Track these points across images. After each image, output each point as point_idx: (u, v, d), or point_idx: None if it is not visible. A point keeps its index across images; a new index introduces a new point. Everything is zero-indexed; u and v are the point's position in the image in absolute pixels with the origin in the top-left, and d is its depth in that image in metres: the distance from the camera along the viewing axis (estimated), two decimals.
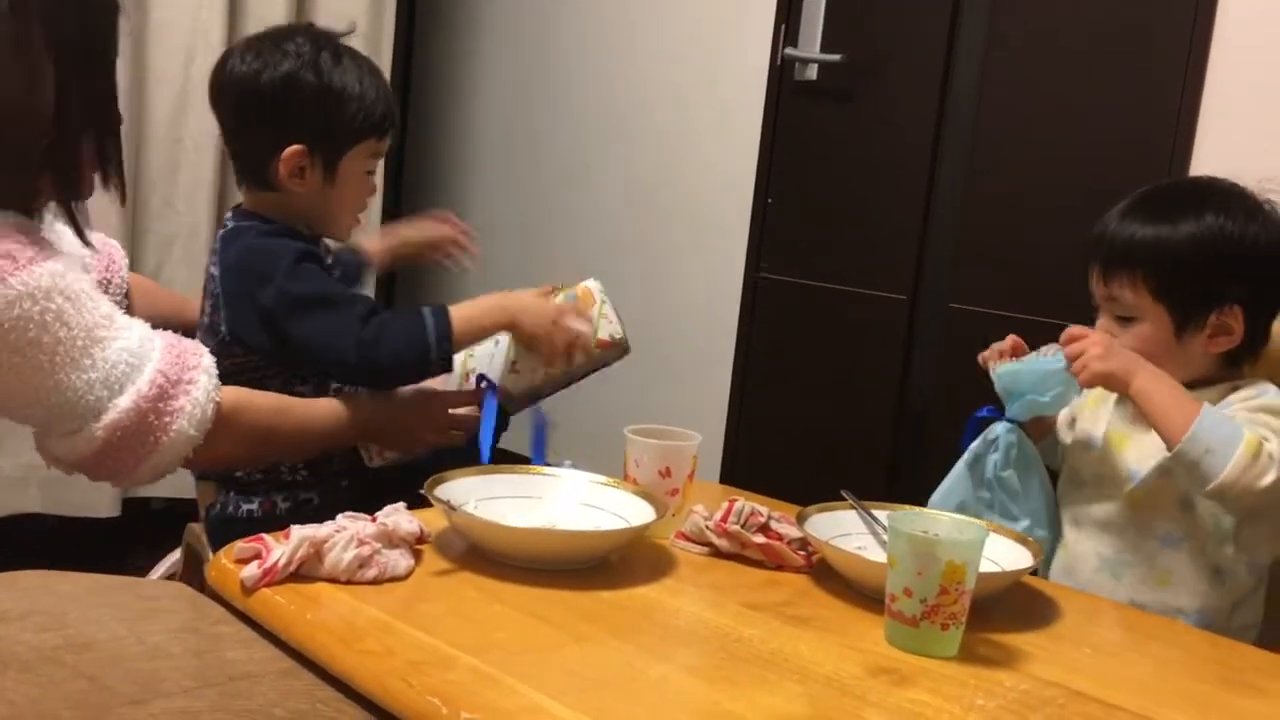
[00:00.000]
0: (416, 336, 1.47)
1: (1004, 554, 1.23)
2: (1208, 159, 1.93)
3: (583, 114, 2.96)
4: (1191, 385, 1.42)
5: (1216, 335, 1.42)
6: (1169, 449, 1.33)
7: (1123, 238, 1.44)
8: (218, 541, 1.56)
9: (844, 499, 1.35)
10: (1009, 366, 1.45)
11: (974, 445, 1.48)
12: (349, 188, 1.58)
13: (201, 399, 1.28)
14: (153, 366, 1.25)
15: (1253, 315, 1.43)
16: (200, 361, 1.31)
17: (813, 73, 2.45)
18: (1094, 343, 1.37)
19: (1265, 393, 1.41)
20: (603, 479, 1.36)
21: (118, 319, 1.25)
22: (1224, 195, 1.45)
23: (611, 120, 2.90)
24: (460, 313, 1.51)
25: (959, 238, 2.29)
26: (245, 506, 1.56)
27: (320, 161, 1.55)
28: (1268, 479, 1.29)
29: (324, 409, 1.47)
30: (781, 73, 2.51)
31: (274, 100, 1.53)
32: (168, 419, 1.26)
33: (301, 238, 1.57)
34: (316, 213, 1.59)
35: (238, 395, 1.37)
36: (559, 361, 1.57)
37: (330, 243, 1.69)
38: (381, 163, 1.71)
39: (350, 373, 1.51)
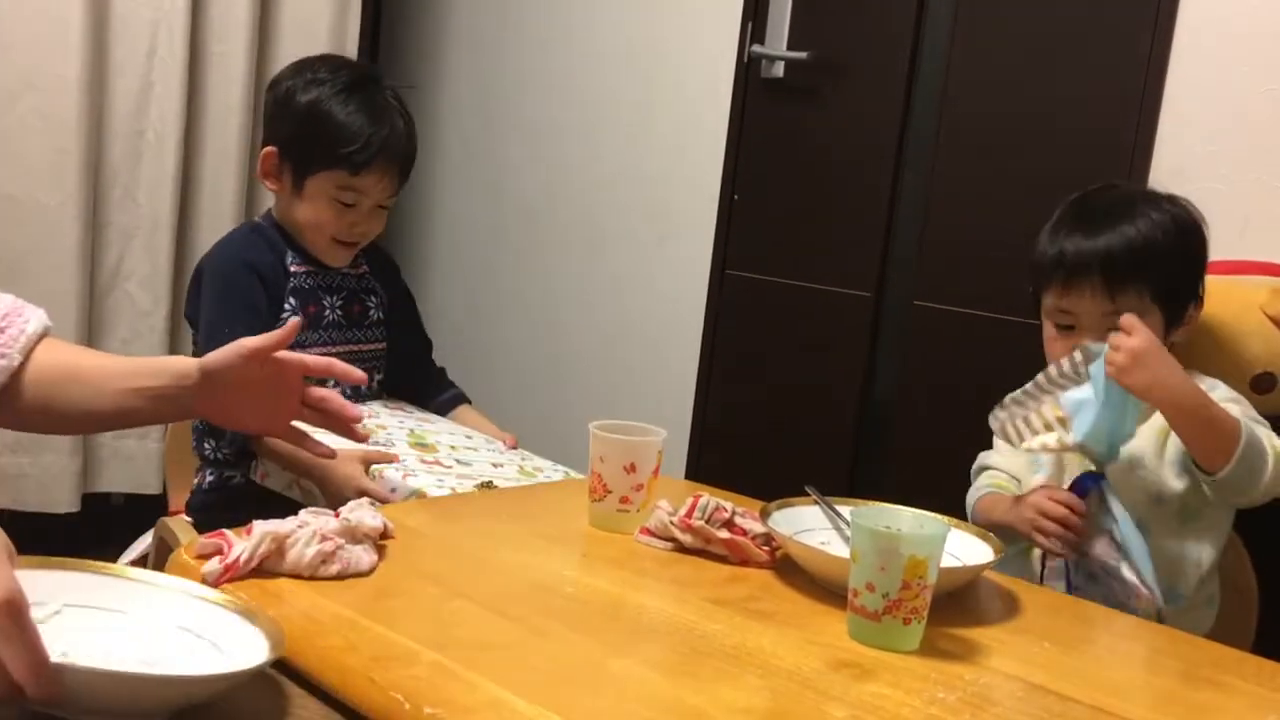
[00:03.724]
0: None
1: (965, 549, 1.24)
2: (1169, 154, 1.96)
3: (548, 111, 2.95)
4: None
5: (1181, 328, 1.48)
6: (1206, 471, 1.34)
7: (1120, 248, 1.45)
8: (196, 519, 1.71)
9: (808, 494, 1.35)
10: (1082, 427, 1.37)
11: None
12: (316, 206, 1.70)
13: None
14: None
15: (1198, 305, 1.52)
16: None
17: (779, 70, 2.46)
18: (1125, 352, 1.31)
19: (1215, 388, 1.45)
20: None
21: None
22: (1157, 196, 1.53)
23: (577, 116, 2.89)
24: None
25: (924, 235, 2.31)
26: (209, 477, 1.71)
27: (290, 169, 1.71)
28: None
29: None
30: (748, 70, 2.51)
31: (274, 107, 1.75)
32: None
33: (293, 247, 1.74)
34: (292, 221, 1.74)
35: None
36: None
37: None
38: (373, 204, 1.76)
39: None
